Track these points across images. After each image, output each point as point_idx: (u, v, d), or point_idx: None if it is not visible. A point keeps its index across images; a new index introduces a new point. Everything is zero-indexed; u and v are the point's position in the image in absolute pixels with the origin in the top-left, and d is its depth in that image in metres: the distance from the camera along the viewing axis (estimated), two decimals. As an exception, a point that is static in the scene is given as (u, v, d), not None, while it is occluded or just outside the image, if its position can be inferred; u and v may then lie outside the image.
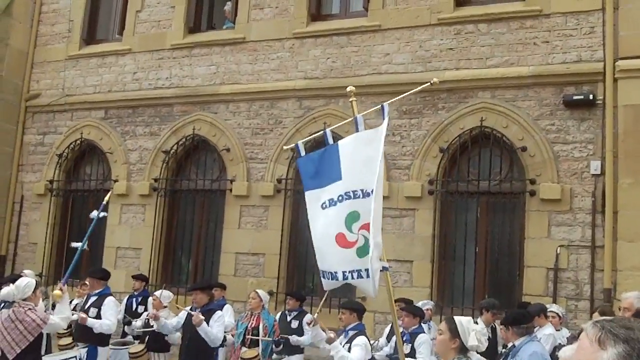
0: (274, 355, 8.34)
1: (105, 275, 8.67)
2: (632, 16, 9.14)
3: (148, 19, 12.81)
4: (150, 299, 9.70)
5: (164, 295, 8.91)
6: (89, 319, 7.86)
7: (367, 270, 4.29)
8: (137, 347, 8.50)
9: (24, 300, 6.12)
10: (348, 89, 5.11)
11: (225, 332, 8.07)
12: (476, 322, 4.32)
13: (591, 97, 9.21)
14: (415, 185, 10.00)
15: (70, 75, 13.46)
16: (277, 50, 11.51)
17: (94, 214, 8.09)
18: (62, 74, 13.54)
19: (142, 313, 9.72)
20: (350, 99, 5.01)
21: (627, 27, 9.16)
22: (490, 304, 8.06)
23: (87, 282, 8.73)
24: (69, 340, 8.37)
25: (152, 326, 8.37)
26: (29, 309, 6.14)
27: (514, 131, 9.67)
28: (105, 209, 8.29)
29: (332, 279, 4.50)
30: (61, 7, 13.90)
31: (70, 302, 9.67)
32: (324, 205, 4.61)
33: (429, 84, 5.41)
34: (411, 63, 10.48)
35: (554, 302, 8.86)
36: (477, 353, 4.24)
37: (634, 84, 8.96)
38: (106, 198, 8.50)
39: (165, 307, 8.61)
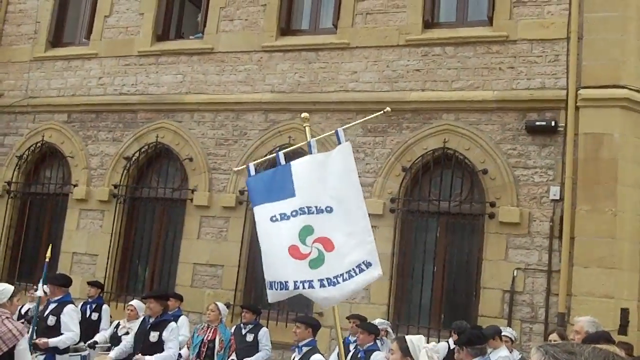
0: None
1: (66, 282, 8.48)
2: (596, 46, 9.33)
3: (116, 25, 12.70)
4: (106, 309, 9.67)
5: (140, 306, 8.84)
6: (50, 341, 7.71)
7: (320, 280, 4.39)
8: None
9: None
10: (302, 115, 5.25)
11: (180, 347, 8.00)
12: (430, 342, 4.34)
13: (553, 123, 9.36)
14: (377, 202, 10.03)
15: (34, 77, 13.26)
16: (245, 62, 11.49)
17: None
18: (26, 75, 13.34)
19: (95, 320, 9.59)
20: (304, 125, 5.11)
21: (590, 56, 9.35)
22: (461, 327, 8.04)
23: (36, 287, 8.50)
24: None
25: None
26: (6, 317, 5.75)
27: (476, 154, 9.78)
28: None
29: (281, 289, 4.54)
30: (28, 8, 13.72)
31: (21, 307, 9.51)
32: (274, 219, 4.71)
33: (382, 112, 5.61)
34: (378, 82, 10.55)
35: (509, 324, 8.94)
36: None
37: (594, 113, 9.14)
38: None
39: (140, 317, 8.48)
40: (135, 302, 9.25)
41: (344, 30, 10.93)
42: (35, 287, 8.96)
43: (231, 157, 11.31)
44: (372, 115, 5.78)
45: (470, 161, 9.82)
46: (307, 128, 5.13)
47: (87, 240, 11.94)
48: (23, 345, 5.64)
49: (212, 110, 11.60)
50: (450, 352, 7.49)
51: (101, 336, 9.18)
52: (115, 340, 8.75)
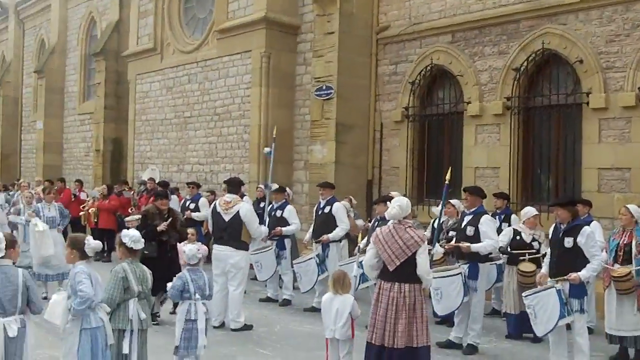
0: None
1: (482, 194, 8.97)
2: None
3: None
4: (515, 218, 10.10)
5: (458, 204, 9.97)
6: (472, 245, 8.38)
7: None
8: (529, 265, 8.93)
9: (404, 218, 6.64)
10: None
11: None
12: None
13: None
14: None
15: (415, 4, 13.87)
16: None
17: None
18: (408, 3, 14.01)
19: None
20: None
21: None
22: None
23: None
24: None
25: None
26: (408, 226, 6.64)
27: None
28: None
29: None
30: None
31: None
32: None
33: None
34: None
35: None
36: None
37: None
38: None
39: None
40: (455, 201, 10.29)
41: None
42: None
43: (625, 53, 10.60)
44: None
45: None
46: None
47: (487, 154, 12.33)
48: (423, 252, 6.51)
49: (598, 7, 10.95)
50: None
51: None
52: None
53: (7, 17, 31.61)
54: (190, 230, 9.90)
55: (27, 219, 11.58)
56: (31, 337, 5.26)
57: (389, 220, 6.80)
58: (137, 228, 7.55)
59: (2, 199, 16.86)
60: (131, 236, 5.95)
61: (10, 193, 18.00)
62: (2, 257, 5.15)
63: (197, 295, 6.75)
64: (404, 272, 6.54)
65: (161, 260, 9.06)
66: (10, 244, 5.28)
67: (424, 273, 6.52)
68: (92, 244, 5.48)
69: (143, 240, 6.14)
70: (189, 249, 7.01)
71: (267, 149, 11.23)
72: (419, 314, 6.55)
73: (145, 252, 9.01)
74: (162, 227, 9.49)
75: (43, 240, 10.38)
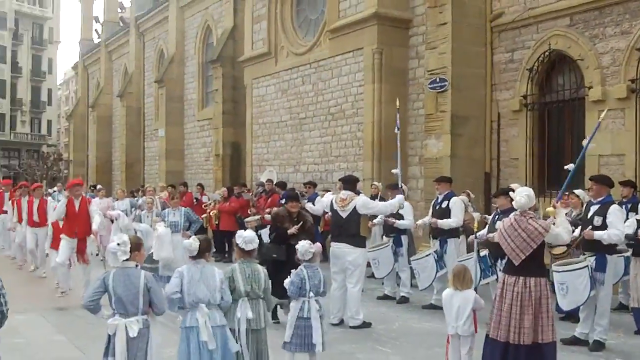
0: None
1: (610, 182, 8.57)
2: None
3: None
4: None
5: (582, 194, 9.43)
6: (595, 233, 8.01)
7: None
8: None
9: (529, 209, 6.43)
10: None
11: None
12: None
13: None
14: None
15: (530, -11, 13.37)
16: None
17: (585, 142, 7.95)
18: (523, -12, 13.53)
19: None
20: None
21: None
22: None
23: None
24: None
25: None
26: (530, 217, 6.40)
27: None
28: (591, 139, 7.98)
29: None
30: None
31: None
32: None
33: None
34: None
35: None
36: None
37: None
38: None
39: None
40: (579, 191, 10.09)
41: None
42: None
43: None
44: None
45: None
46: None
47: (611, 141, 11.69)
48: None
49: None
50: None
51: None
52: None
53: (129, 31, 33.16)
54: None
55: (151, 225, 12.03)
56: (157, 336, 5.39)
57: (509, 214, 6.57)
58: (269, 230, 7.61)
59: (127, 204, 17.63)
60: (244, 237, 6.05)
61: (136, 198, 18.82)
62: (127, 260, 5.31)
63: (312, 293, 6.75)
64: (529, 265, 6.33)
65: (290, 264, 8.97)
66: (136, 246, 5.44)
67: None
68: None
69: (257, 241, 6.21)
70: (301, 245, 7.01)
71: (395, 171, 11.01)
72: (545, 309, 6.31)
73: (274, 255, 9.13)
74: (292, 230, 9.20)
75: (162, 243, 10.72)
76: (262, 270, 6.16)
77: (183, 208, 12.10)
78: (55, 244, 12.17)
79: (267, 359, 6.12)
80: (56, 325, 9.29)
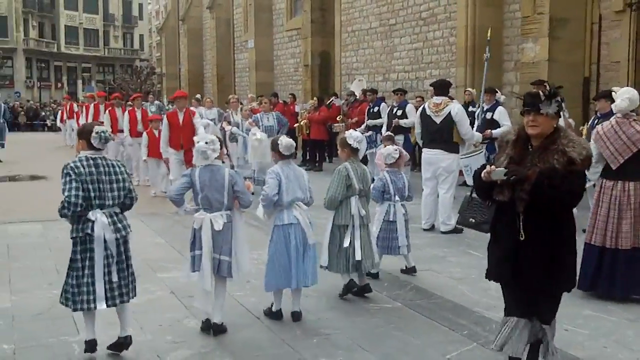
0: None
1: None
2: None
3: None
4: None
5: None
6: None
7: None
8: None
9: (632, 111, 6.22)
10: None
11: None
12: None
13: None
14: None
15: None
16: None
17: None
18: None
19: None
20: None
21: None
22: None
23: None
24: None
25: None
26: (633, 119, 6.19)
27: None
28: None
29: None
30: None
31: None
32: None
33: None
34: None
35: None
36: None
37: None
38: None
39: None
40: None
41: None
42: None
43: None
44: None
45: None
46: None
47: None
48: None
49: None
50: None
51: None
52: None
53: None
54: None
55: (247, 128, 12.27)
56: (240, 230, 5.55)
57: (609, 118, 6.35)
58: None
59: (215, 113, 17.96)
60: (355, 137, 6.22)
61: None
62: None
63: (397, 197, 6.89)
64: (629, 169, 6.16)
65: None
66: (220, 146, 5.62)
67: None
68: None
69: (366, 142, 6.45)
70: (385, 149, 7.13)
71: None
72: (645, 213, 6.14)
73: None
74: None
75: (260, 148, 10.94)
76: (367, 170, 6.42)
77: (274, 112, 12.27)
78: (152, 152, 12.58)
79: (373, 252, 6.35)
80: (155, 229, 9.72)
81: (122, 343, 4.93)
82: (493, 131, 10.84)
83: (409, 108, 13.69)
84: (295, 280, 5.65)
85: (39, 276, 7.09)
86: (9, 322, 5.66)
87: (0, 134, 19.84)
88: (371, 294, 6.40)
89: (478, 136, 9.90)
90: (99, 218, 4.71)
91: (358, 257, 6.10)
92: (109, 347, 4.94)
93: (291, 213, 5.68)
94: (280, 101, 19.61)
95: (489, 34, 11.71)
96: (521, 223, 4.04)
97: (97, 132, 4.81)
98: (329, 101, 17.58)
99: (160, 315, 5.59)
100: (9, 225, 9.88)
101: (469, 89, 13.65)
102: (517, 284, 4.14)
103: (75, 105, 24.69)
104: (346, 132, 6.48)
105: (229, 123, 13.56)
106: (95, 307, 4.76)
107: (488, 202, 4.43)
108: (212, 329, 5.37)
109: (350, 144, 6.20)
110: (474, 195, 5.33)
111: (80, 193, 4.65)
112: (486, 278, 4.36)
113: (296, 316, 5.72)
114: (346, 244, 6.09)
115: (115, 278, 4.77)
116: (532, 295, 4.16)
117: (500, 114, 11.04)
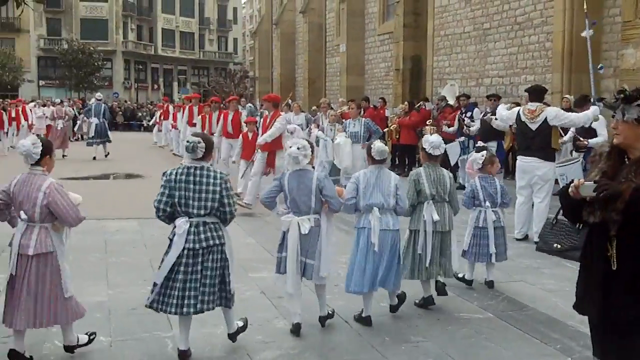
0: None
1: None
2: None
3: None
4: None
5: None
6: None
7: None
8: None
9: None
10: None
11: None
12: None
13: None
14: None
15: None
16: None
17: None
18: None
19: None
20: None
21: None
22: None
23: None
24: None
25: None
26: None
27: None
28: None
29: None
30: None
31: None
32: None
33: None
34: None
35: None
36: None
37: None
38: None
39: None
40: None
41: None
42: None
43: None
44: None
45: None
46: None
47: None
48: None
49: None
50: None
51: None
52: None
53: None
54: None
55: (332, 136, 12.33)
56: (328, 235, 5.55)
57: None
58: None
59: (303, 119, 18.10)
60: (431, 142, 6.12)
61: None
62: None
63: (487, 203, 6.75)
64: None
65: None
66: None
67: None
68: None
69: (444, 147, 6.26)
70: (474, 155, 7.09)
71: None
72: None
73: None
74: None
75: (340, 152, 10.94)
76: (447, 174, 6.25)
77: (363, 119, 12.23)
78: (245, 154, 12.76)
79: (450, 261, 6.22)
80: (246, 229, 9.84)
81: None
82: (590, 140, 10.47)
83: (476, 112, 13.48)
84: (370, 283, 5.64)
85: (134, 272, 7.32)
86: (105, 315, 5.87)
87: (104, 131, 20.68)
88: (462, 304, 6.32)
89: (594, 109, 9.35)
90: (179, 225, 4.83)
91: (426, 263, 6.05)
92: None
93: (367, 217, 5.69)
94: (371, 105, 19.56)
95: (584, 5, 11.07)
96: (613, 250, 3.30)
97: (187, 142, 4.93)
98: (417, 104, 17.42)
99: (250, 315, 5.67)
100: (106, 221, 10.22)
101: (566, 95, 13.25)
102: (604, 326, 3.40)
103: (171, 106, 25.39)
104: (424, 136, 6.42)
105: (318, 126, 13.64)
106: (150, 307, 4.92)
107: (578, 225, 3.86)
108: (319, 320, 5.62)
109: (425, 148, 6.15)
110: (560, 217, 4.87)
111: (165, 199, 4.84)
112: (574, 309, 3.64)
113: (364, 321, 5.73)
114: (418, 250, 6.05)
115: (179, 285, 4.80)
116: (625, 339, 3.32)
117: (598, 123, 10.64)
